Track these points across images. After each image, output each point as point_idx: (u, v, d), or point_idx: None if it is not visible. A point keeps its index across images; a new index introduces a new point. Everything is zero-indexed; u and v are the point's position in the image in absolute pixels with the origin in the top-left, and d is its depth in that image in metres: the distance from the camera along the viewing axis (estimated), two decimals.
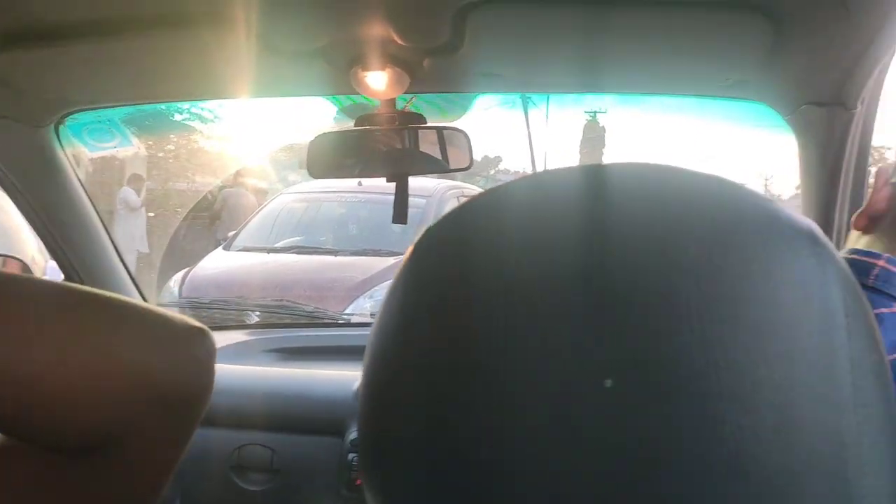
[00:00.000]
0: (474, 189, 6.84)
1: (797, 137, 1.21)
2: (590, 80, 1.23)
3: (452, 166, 1.32)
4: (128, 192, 8.44)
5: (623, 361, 0.27)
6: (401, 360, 0.32)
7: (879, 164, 0.86)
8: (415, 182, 1.39)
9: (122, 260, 1.62)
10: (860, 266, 0.71)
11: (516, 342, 0.29)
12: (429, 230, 0.35)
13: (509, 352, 0.29)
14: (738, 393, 0.27)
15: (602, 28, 1.04)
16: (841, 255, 0.76)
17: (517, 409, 0.28)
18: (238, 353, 1.75)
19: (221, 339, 1.80)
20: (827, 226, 1.21)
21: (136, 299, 0.79)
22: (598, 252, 0.29)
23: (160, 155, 10.37)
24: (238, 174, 8.40)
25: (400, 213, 1.32)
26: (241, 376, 1.56)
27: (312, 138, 1.28)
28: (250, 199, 7.96)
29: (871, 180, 1.14)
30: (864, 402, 0.29)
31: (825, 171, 1.18)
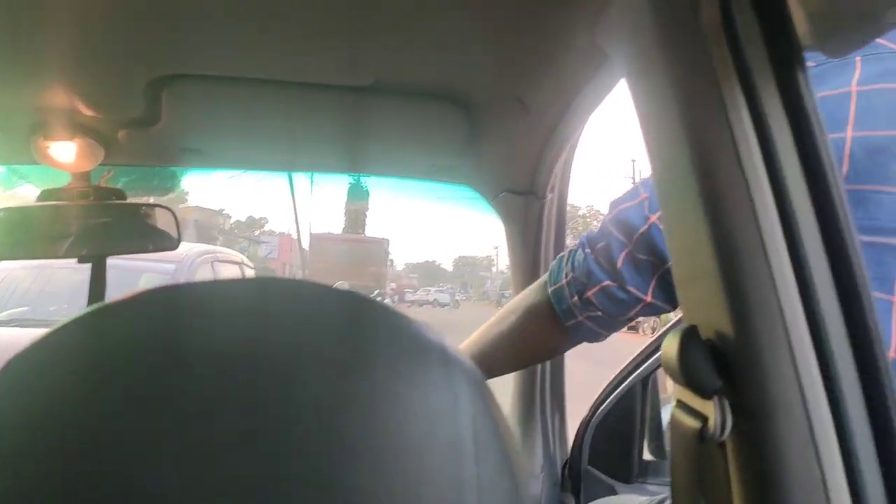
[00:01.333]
0: (233, 254, 6.57)
1: (501, 221, 1.28)
2: (297, 159, 1.21)
3: (158, 246, 1.22)
4: None
5: None
6: None
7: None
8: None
9: None
10: None
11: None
12: None
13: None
14: None
15: (306, 108, 1.03)
16: None
17: None
18: None
19: None
20: None
21: None
22: (208, 381, 0.25)
23: None
24: None
25: (96, 297, 1.19)
26: None
27: None
28: None
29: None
30: None
31: (528, 252, 1.25)
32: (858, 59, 0.66)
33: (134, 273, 4.64)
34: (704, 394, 0.55)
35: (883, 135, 0.63)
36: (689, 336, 0.57)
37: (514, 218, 1.25)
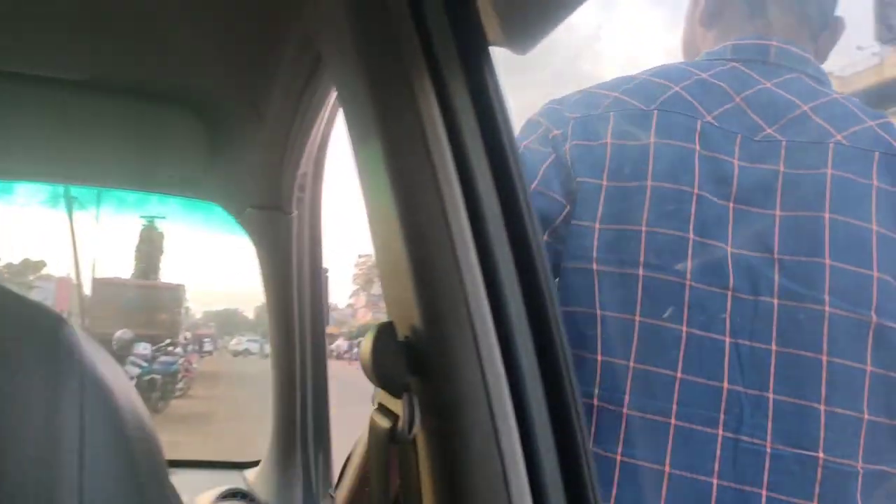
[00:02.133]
0: None
1: (250, 238, 1.21)
2: (9, 164, 1.07)
3: None
4: None
5: None
6: None
7: None
8: None
9: None
10: None
11: None
12: None
13: None
14: None
15: (13, 103, 0.91)
16: None
17: None
18: None
19: None
20: (288, 322, 1.21)
21: None
22: None
23: None
24: None
25: None
26: None
27: None
28: None
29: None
30: None
31: (279, 270, 1.19)
32: (612, 113, 0.75)
33: None
34: (396, 392, 0.53)
35: (628, 185, 0.72)
36: (383, 333, 0.54)
37: (262, 235, 1.19)
